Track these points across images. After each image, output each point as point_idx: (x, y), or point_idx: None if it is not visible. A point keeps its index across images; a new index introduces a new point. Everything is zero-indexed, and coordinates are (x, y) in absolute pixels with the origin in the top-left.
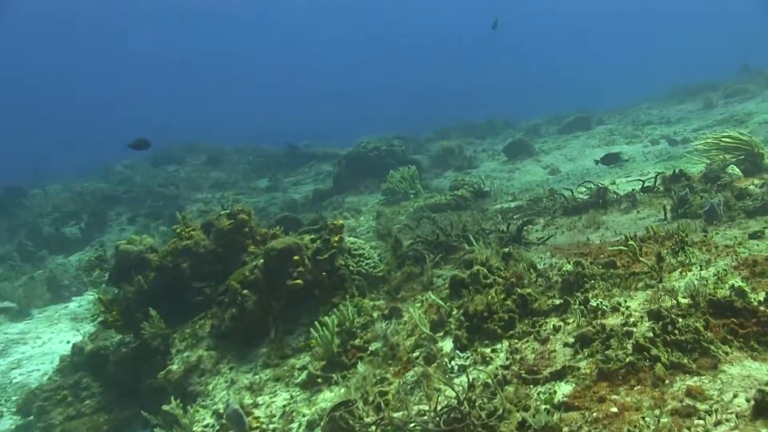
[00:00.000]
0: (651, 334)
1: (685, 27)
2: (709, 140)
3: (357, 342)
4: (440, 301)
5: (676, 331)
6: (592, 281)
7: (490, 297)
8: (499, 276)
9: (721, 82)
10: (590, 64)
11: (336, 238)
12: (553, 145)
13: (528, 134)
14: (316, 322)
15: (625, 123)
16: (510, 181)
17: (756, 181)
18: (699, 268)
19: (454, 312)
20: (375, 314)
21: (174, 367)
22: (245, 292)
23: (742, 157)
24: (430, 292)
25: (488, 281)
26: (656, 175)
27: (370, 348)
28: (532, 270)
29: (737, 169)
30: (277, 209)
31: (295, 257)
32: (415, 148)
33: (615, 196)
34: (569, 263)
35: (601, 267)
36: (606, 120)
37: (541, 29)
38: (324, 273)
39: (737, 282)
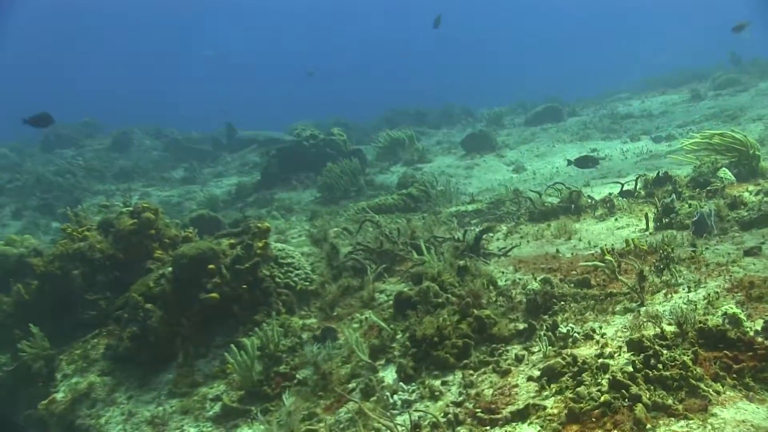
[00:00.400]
0: (631, 369)
1: (671, 10)
2: (698, 139)
3: (282, 369)
4: (382, 323)
5: (660, 366)
6: (562, 303)
7: (441, 319)
8: (453, 294)
9: (710, 72)
10: (565, 48)
11: (260, 244)
12: (518, 138)
13: (490, 125)
14: (233, 345)
15: (601, 115)
16: (468, 180)
17: (751, 188)
18: (687, 289)
19: (399, 336)
20: (305, 335)
21: (59, 395)
22: (149, 306)
23: (736, 159)
24: (370, 310)
25: (440, 300)
26: (637, 178)
27: (297, 376)
28: (491, 287)
29: (729, 173)
30: (194, 205)
31: (211, 266)
32: (358, 138)
33: (589, 201)
34: (536, 280)
35: (573, 286)
36: (579, 111)
37: (513, 7)
38: (245, 285)
39: (731, 308)
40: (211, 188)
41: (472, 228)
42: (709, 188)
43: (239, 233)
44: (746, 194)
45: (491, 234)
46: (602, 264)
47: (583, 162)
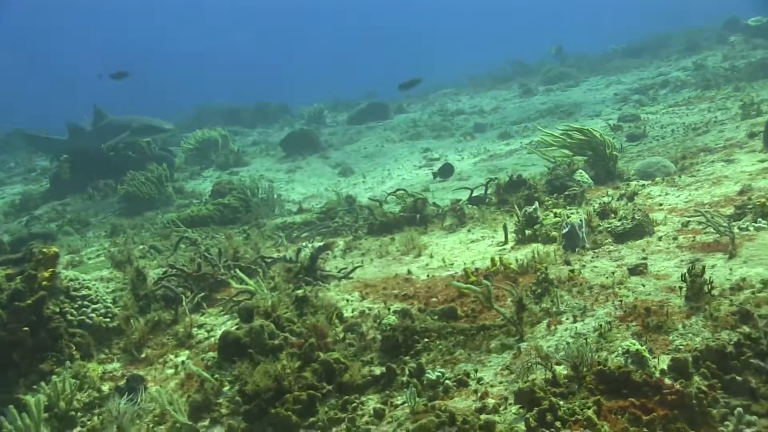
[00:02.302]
0: (523, 427)
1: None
2: (554, 135)
3: None
4: (204, 373)
5: (559, 424)
6: (426, 339)
7: (279, 366)
8: (293, 332)
9: (536, 68)
10: (384, 41)
11: (47, 274)
12: (343, 137)
13: (311, 123)
14: (11, 404)
15: (430, 112)
16: (291, 185)
17: (611, 192)
18: (572, 319)
19: (227, 388)
20: (105, 387)
21: None
22: None
23: (591, 159)
24: (188, 351)
25: (276, 342)
26: (487, 182)
27: None
28: (338, 321)
29: (587, 176)
30: None
31: None
32: (163, 139)
33: (436, 210)
34: (390, 311)
35: (436, 318)
36: (407, 108)
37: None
38: (26, 327)
39: (632, 343)
40: None
41: (305, 245)
42: (567, 193)
43: (19, 260)
44: (607, 198)
45: (328, 252)
46: (477, 289)
47: (447, 171)
